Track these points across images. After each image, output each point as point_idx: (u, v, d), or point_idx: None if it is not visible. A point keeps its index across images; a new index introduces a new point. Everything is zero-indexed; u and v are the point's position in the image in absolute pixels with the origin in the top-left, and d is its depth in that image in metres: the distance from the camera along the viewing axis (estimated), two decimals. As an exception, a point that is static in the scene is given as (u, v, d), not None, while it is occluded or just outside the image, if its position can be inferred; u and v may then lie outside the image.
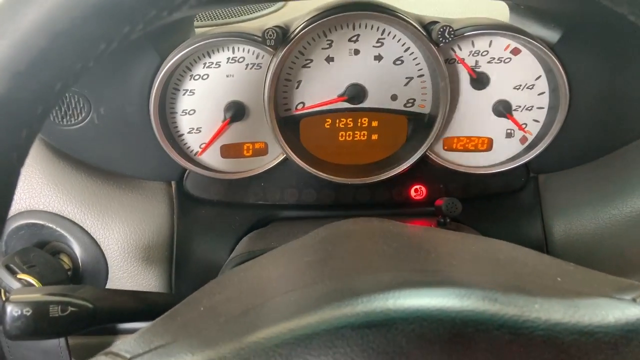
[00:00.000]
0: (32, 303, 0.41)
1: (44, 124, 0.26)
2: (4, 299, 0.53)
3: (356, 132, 0.65)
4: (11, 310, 0.40)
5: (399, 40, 0.61)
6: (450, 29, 0.58)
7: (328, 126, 0.65)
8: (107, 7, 0.24)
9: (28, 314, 0.40)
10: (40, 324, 0.41)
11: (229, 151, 0.66)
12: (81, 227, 0.62)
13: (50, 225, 0.62)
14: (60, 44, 0.23)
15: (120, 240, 0.63)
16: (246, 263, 0.40)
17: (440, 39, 0.58)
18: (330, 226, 0.41)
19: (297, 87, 0.63)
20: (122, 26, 0.25)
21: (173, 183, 0.67)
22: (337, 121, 0.65)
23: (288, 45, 0.58)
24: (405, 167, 0.65)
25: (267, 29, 0.58)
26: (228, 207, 0.68)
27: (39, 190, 0.62)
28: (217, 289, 0.36)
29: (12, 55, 0.23)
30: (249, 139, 0.65)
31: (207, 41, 0.59)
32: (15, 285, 0.51)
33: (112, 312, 0.46)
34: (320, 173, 0.64)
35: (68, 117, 0.61)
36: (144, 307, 0.49)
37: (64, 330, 0.42)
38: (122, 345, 0.28)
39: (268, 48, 0.59)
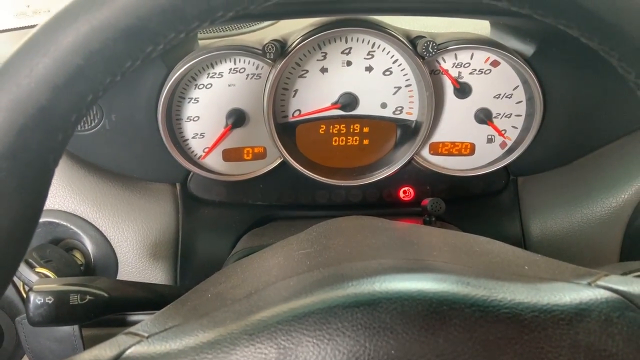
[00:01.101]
0: (54, 292, 0.42)
1: (76, 129, 0.29)
2: (22, 291, 0.56)
3: (349, 137, 0.67)
4: (34, 298, 0.42)
5: (388, 52, 0.64)
6: (434, 44, 0.60)
7: (322, 132, 0.67)
8: (135, 30, 0.26)
9: (50, 302, 0.42)
10: (61, 311, 0.42)
11: (230, 155, 0.68)
12: (93, 226, 0.64)
13: (65, 223, 0.63)
14: (94, 62, 0.25)
15: (130, 237, 0.65)
16: (248, 256, 0.41)
17: (425, 53, 0.61)
18: (324, 223, 0.42)
19: (293, 96, 0.65)
20: (146, 46, 0.27)
21: (178, 185, 0.69)
22: (331, 127, 0.67)
23: (286, 58, 0.60)
24: (394, 170, 0.67)
25: (266, 43, 0.61)
26: (229, 207, 0.70)
27: (55, 191, 0.64)
28: (222, 278, 0.37)
29: (52, 70, 0.25)
30: (249, 144, 0.67)
31: (211, 54, 0.61)
32: (34, 278, 0.53)
33: (125, 301, 0.47)
34: (315, 175, 0.66)
35: (82, 124, 0.63)
36: (152, 297, 0.50)
37: (82, 317, 0.44)
38: (140, 326, 0.30)
39: (267, 60, 0.61)
